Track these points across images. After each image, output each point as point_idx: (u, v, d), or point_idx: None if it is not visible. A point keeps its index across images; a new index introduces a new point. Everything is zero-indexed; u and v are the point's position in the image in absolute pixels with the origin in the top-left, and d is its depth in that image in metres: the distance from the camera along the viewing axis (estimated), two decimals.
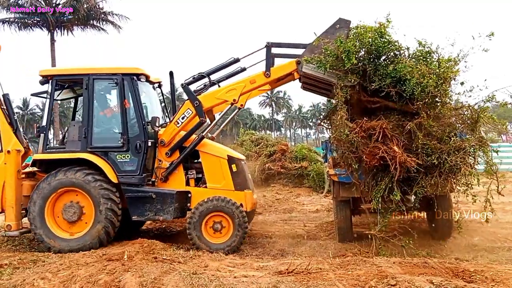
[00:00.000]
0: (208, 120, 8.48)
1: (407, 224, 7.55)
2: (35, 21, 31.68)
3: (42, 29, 31.80)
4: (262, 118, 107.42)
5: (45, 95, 8.20)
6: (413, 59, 6.76)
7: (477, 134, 6.48)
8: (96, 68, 8.08)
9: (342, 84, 6.80)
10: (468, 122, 6.44)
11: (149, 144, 7.90)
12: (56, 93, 8.47)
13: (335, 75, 7.04)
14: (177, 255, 6.67)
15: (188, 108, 7.97)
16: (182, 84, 8.12)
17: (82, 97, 8.56)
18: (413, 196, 7.00)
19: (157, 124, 7.92)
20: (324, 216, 10.99)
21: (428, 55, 6.74)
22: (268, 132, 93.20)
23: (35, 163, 8.07)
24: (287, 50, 7.94)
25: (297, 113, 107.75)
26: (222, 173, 8.07)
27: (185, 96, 8.19)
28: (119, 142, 7.81)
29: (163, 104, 9.40)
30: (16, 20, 31.24)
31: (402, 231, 7.01)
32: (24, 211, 7.84)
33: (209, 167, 8.14)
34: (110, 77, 7.93)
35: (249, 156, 18.21)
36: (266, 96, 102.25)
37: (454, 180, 6.67)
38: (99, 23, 32.84)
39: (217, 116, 9.00)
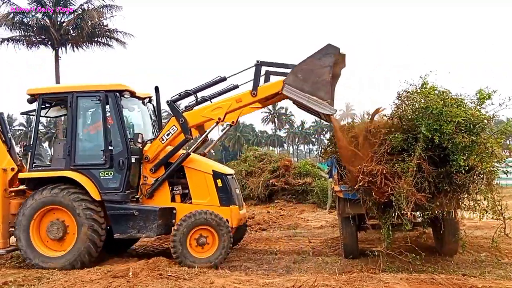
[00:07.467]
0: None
1: (413, 240, 7.50)
2: (40, 39, 32.02)
3: (47, 46, 32.13)
4: (265, 134, 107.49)
5: (34, 113, 8.33)
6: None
7: (492, 162, 6.46)
8: (79, 86, 8.23)
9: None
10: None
11: (133, 160, 7.89)
12: (45, 111, 8.64)
13: (316, 102, 7.11)
14: (182, 272, 6.64)
15: (173, 125, 7.96)
16: (167, 101, 8.13)
17: None
18: (418, 214, 7.03)
19: (139, 141, 7.93)
20: (329, 232, 10.93)
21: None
22: (270, 148, 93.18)
23: (23, 181, 8.13)
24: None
25: (300, 129, 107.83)
26: (207, 188, 8.02)
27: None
28: (102, 159, 7.83)
29: (154, 120, 9.38)
30: (22, 38, 31.60)
31: (408, 247, 6.96)
32: (13, 229, 7.84)
33: (194, 183, 8.10)
34: (93, 94, 7.99)
35: (252, 172, 18.21)
36: (268, 112, 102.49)
37: (461, 198, 6.70)
38: (104, 40, 33.21)
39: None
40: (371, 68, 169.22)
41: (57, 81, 31.35)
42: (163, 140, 8.00)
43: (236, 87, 8.02)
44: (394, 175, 6.38)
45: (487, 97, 6.60)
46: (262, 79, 7.96)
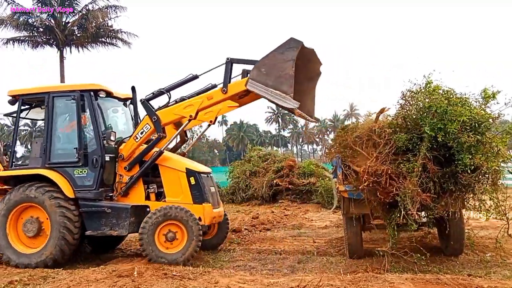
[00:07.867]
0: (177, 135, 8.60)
1: (418, 240, 7.48)
2: (45, 39, 32.13)
3: (52, 46, 32.22)
4: (269, 134, 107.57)
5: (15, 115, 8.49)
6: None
7: (498, 162, 6.41)
8: (56, 86, 8.51)
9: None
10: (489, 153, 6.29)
11: (107, 159, 7.98)
12: (26, 112, 8.77)
13: (280, 97, 7.10)
14: (187, 271, 6.64)
15: (147, 123, 8.05)
16: (141, 100, 8.25)
17: None
18: (423, 214, 7.00)
19: (112, 138, 8.01)
20: (334, 232, 10.92)
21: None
22: (274, 148, 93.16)
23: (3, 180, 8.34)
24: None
25: (304, 129, 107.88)
26: (180, 186, 8.07)
27: None
28: (75, 157, 7.94)
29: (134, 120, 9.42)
30: (27, 38, 31.71)
31: (413, 247, 6.95)
32: None
33: (168, 181, 8.17)
34: (68, 94, 8.17)
35: (256, 172, 18.22)
36: (272, 112, 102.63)
37: (466, 198, 6.68)
38: (109, 40, 33.28)
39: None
40: (369, 68, 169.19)
41: (62, 82, 31.44)
42: (137, 138, 8.10)
43: (214, 86, 8.04)
44: (399, 175, 6.35)
45: (492, 96, 6.56)
46: (239, 78, 7.93)
